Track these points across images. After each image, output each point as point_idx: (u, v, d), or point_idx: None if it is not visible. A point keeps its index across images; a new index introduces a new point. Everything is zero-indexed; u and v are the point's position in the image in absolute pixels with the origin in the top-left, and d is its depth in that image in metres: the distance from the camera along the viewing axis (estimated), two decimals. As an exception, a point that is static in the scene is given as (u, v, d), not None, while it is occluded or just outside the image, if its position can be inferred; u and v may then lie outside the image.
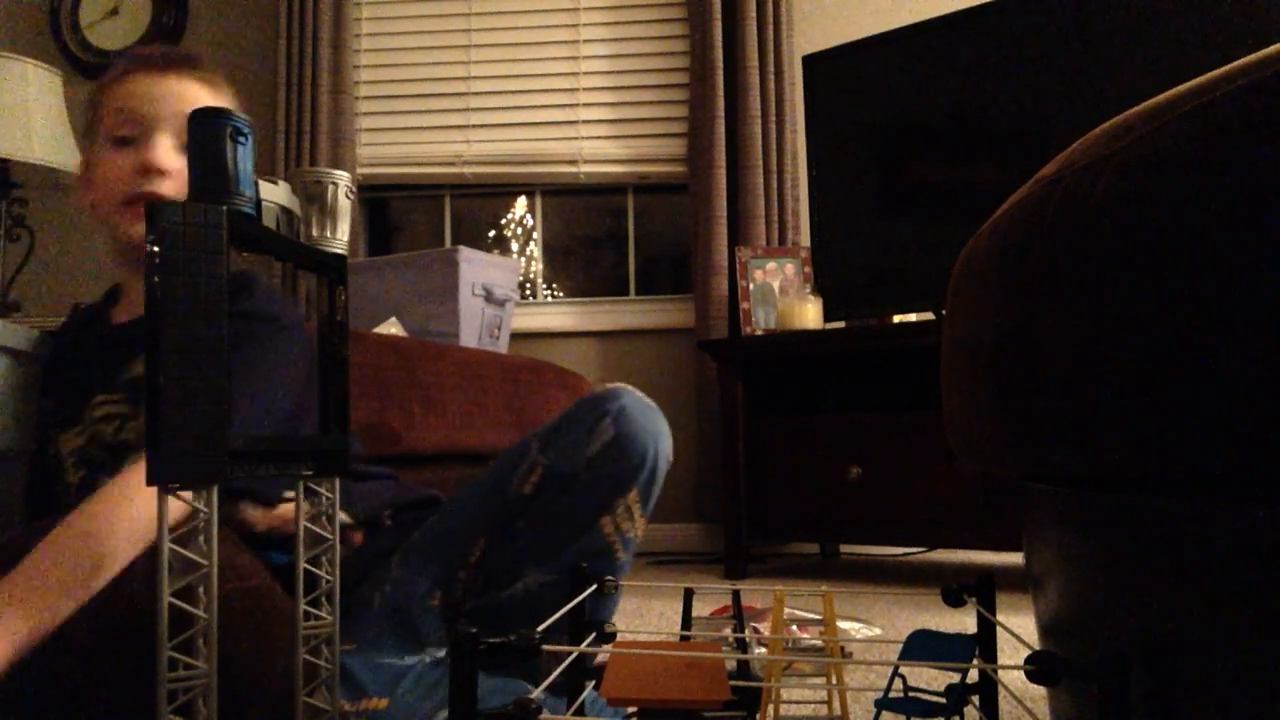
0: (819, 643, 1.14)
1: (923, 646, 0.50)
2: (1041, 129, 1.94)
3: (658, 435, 0.92)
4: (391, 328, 1.80)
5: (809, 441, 2.05)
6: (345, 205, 0.90)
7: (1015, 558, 2.19)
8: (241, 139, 0.58)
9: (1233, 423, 0.35)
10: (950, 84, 2.06)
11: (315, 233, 0.94)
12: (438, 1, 2.82)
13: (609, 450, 0.87)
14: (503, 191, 2.96)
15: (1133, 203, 0.40)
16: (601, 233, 2.95)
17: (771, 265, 2.41)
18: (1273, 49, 0.36)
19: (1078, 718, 0.48)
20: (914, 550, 2.39)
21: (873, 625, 1.43)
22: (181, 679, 0.53)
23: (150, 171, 0.90)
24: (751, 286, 2.39)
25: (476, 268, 1.99)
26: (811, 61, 2.27)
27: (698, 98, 2.60)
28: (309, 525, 0.67)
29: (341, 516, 0.56)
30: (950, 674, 0.87)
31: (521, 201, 2.98)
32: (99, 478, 0.81)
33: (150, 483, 0.51)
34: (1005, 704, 0.89)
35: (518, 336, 2.51)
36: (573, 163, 2.74)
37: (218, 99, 0.94)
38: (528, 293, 2.91)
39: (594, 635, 0.58)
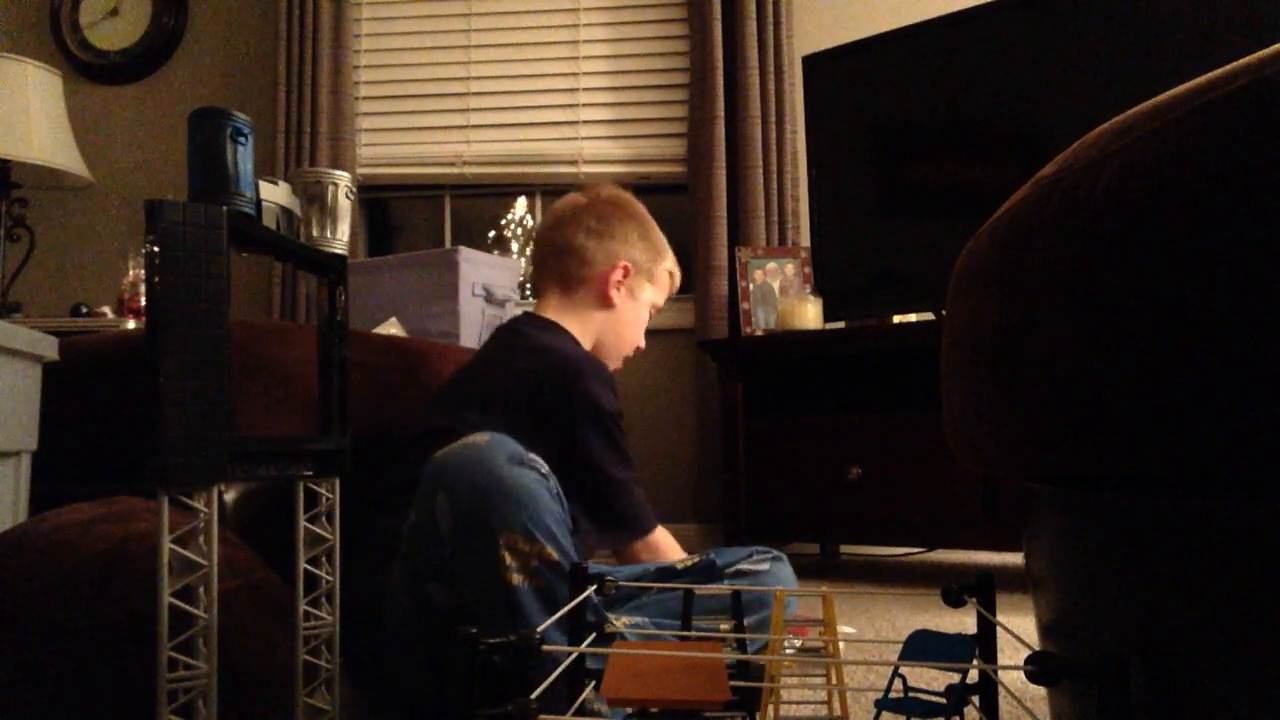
0: (819, 643, 1.14)
1: (923, 646, 0.50)
2: (1041, 129, 1.94)
3: (791, 582, 1.13)
4: (391, 328, 1.80)
5: (809, 441, 2.05)
6: (345, 205, 0.90)
7: (1015, 558, 2.20)
8: (241, 139, 0.58)
9: (1233, 422, 0.35)
10: (950, 84, 2.06)
11: (315, 233, 0.94)
12: (438, 1, 2.82)
13: (756, 578, 1.07)
14: (503, 191, 2.96)
15: (1133, 203, 0.40)
16: (601, 233, 2.95)
17: (771, 265, 2.41)
18: (1273, 49, 0.36)
19: (1078, 718, 0.48)
20: (914, 550, 2.39)
21: (848, 627, 1.42)
22: (181, 679, 0.53)
23: (639, 349, 1.37)
24: (751, 287, 2.39)
25: (476, 268, 1.99)
26: (811, 61, 2.27)
27: (698, 98, 2.60)
28: (309, 525, 0.68)
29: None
30: (950, 674, 0.87)
31: (521, 201, 2.98)
32: None
33: (150, 482, 0.51)
34: (1005, 704, 0.89)
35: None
36: (573, 163, 2.74)
37: None
38: (527, 293, 2.91)
39: (594, 635, 0.58)
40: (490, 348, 1.27)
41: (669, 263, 1.38)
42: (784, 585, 1.11)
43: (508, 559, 0.82)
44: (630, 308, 1.32)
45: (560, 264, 1.30)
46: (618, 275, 1.29)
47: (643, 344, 1.38)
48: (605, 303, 1.30)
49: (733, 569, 1.07)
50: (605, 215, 1.31)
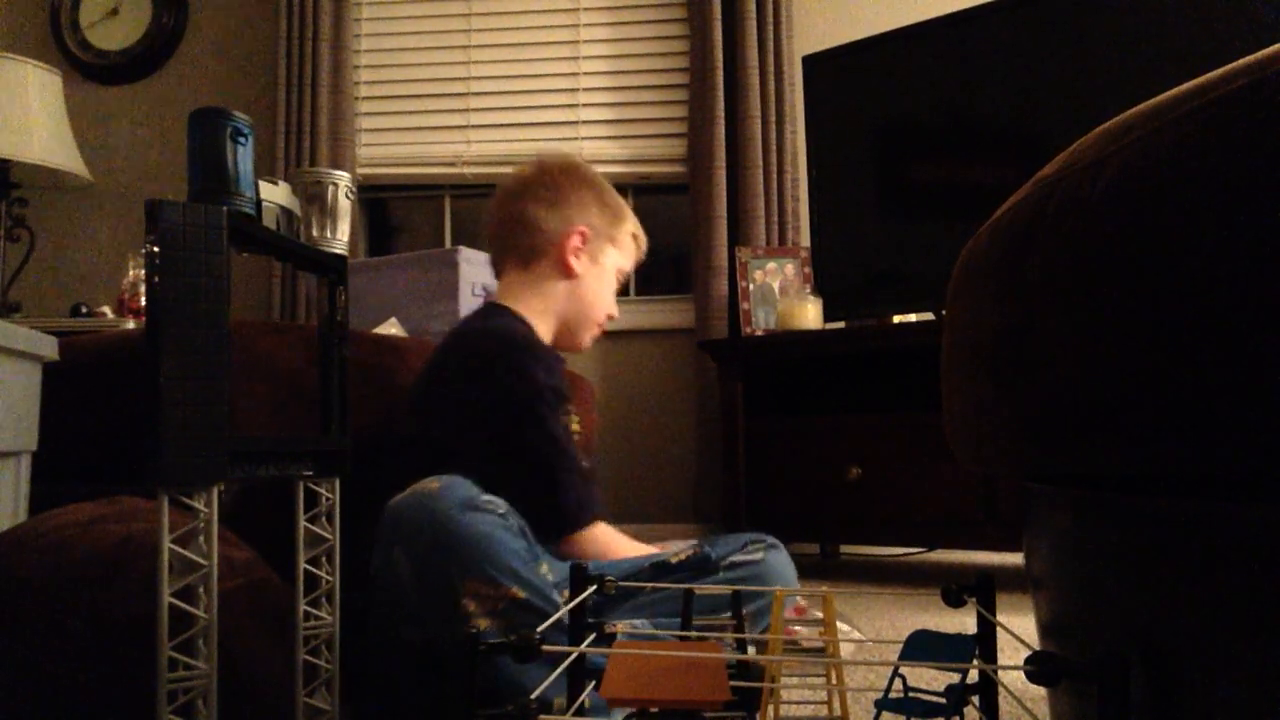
0: (819, 643, 1.14)
1: (923, 646, 0.50)
2: (1041, 129, 1.94)
3: (789, 581, 1.12)
4: (391, 328, 1.80)
5: (809, 441, 2.05)
6: (345, 205, 0.90)
7: (1015, 558, 2.19)
8: (241, 139, 0.58)
9: (1233, 423, 0.35)
10: (950, 84, 2.06)
11: (315, 233, 0.94)
12: (438, 1, 2.82)
13: (752, 567, 1.07)
14: (503, 191, 2.96)
15: (1133, 203, 0.40)
16: (601, 233, 2.94)
17: (771, 265, 2.41)
18: (1273, 49, 0.36)
19: (1078, 718, 0.48)
20: (914, 550, 2.39)
21: (855, 629, 1.42)
22: (181, 679, 0.53)
23: (611, 319, 1.30)
24: (751, 287, 2.39)
25: (476, 268, 1.99)
26: (811, 61, 2.27)
27: (698, 98, 2.60)
28: (309, 525, 0.68)
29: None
30: (950, 674, 0.87)
31: (521, 201, 2.98)
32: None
33: (150, 482, 0.51)
34: (1005, 704, 0.89)
35: (518, 336, 2.51)
36: (573, 163, 2.74)
37: None
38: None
39: (594, 635, 0.58)
40: (442, 343, 1.23)
41: (630, 225, 1.31)
42: (780, 574, 1.10)
43: (471, 606, 0.82)
44: (594, 274, 1.26)
45: (515, 238, 1.25)
46: (576, 241, 1.22)
47: (615, 312, 1.31)
48: (566, 272, 1.23)
49: (728, 561, 1.06)
50: (556, 183, 1.25)
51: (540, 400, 1.07)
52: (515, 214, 1.25)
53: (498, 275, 1.28)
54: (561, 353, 1.28)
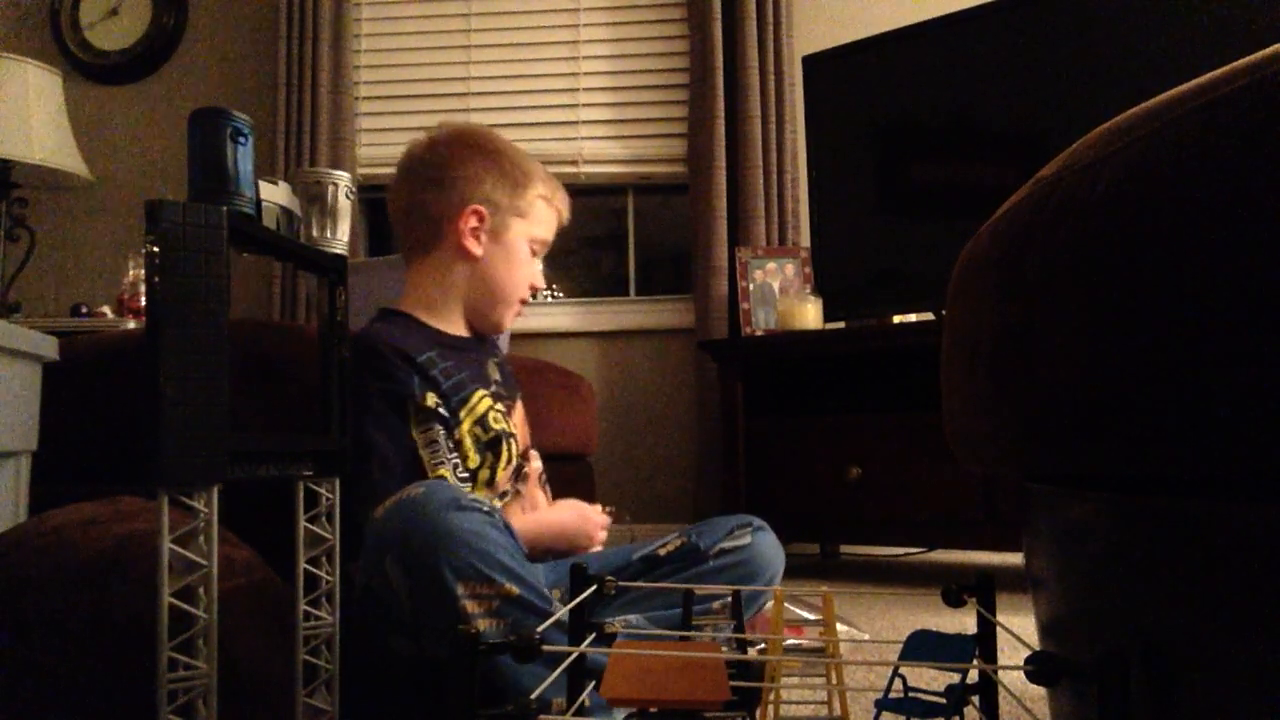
0: (820, 643, 1.14)
1: (923, 646, 0.50)
2: (1041, 129, 1.94)
3: (778, 562, 1.13)
4: (391, 328, 1.79)
5: (809, 441, 2.05)
6: (345, 205, 0.90)
7: (1015, 558, 2.19)
8: (241, 139, 0.58)
9: (1233, 423, 0.35)
10: (950, 84, 2.06)
11: (315, 233, 0.93)
12: (438, 1, 2.82)
13: (741, 552, 1.08)
14: (503, 191, 2.96)
15: (1133, 203, 0.40)
16: (601, 233, 2.95)
17: (771, 265, 2.41)
18: (1273, 49, 0.36)
19: (1078, 718, 0.48)
20: (914, 550, 2.39)
21: (861, 630, 1.42)
22: (181, 679, 0.53)
23: (536, 292, 1.21)
24: (751, 287, 2.39)
25: (476, 268, 1.99)
26: (811, 61, 2.27)
27: (698, 98, 2.60)
28: (309, 525, 0.68)
29: None
30: (950, 674, 0.87)
31: (521, 201, 2.98)
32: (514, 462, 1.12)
33: (150, 482, 0.51)
34: (1005, 704, 0.89)
35: (517, 337, 2.52)
36: (573, 163, 2.74)
37: None
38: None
39: (594, 635, 0.57)
40: None
41: (540, 189, 1.21)
42: (768, 556, 1.11)
43: (470, 607, 0.81)
44: (498, 253, 1.16)
45: (408, 226, 1.17)
46: (470, 222, 1.14)
47: (541, 283, 1.22)
48: (465, 255, 1.15)
49: (716, 549, 1.07)
50: (442, 160, 1.16)
51: (363, 407, 1.02)
52: (404, 200, 1.17)
53: (406, 266, 1.21)
54: (495, 334, 1.23)
